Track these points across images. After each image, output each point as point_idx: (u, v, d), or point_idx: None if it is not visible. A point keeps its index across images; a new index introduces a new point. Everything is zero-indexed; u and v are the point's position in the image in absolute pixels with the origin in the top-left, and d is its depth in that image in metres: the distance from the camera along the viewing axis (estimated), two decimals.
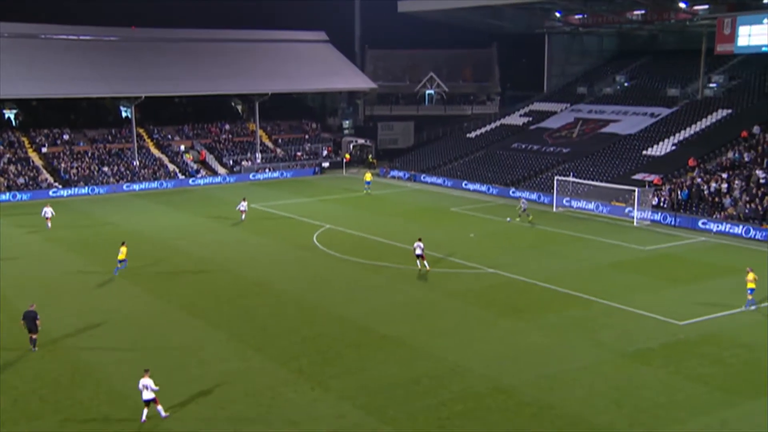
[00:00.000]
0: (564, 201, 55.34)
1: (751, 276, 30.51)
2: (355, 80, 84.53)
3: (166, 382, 23.25)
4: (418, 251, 36.55)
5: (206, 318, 29.84)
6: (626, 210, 51.08)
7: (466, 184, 65.51)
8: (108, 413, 21.27)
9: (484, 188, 63.69)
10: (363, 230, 46.59)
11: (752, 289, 30.44)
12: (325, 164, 78.37)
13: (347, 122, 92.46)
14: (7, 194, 60.59)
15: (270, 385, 23.37)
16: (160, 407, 20.86)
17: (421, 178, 70.38)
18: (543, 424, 20.76)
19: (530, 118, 77.37)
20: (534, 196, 58.24)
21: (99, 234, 46.67)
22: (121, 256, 36.09)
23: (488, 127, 79.26)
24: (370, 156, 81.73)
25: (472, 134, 79.00)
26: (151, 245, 43.08)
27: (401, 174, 72.72)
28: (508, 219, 50.09)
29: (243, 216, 49.88)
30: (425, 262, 36.64)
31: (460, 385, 23.41)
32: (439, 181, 68.45)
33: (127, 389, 22.74)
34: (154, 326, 28.98)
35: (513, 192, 60.47)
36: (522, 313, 30.55)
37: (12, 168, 64.76)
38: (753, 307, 30.42)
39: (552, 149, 67.97)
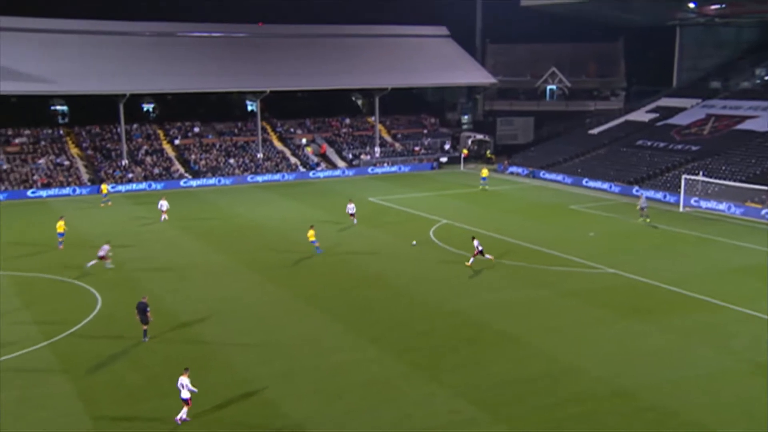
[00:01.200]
0: (692, 201, 52.82)
1: None
2: (476, 75, 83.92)
3: (282, 371, 24.09)
4: (480, 248, 36.26)
5: (324, 308, 30.57)
6: (763, 212, 48.16)
7: (586, 182, 63.76)
8: (231, 396, 22.22)
9: (605, 186, 61.77)
10: (480, 226, 46.28)
11: None
12: (443, 159, 78.33)
13: (466, 117, 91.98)
14: (144, 183, 64.34)
15: (385, 377, 23.68)
16: (185, 410, 20.53)
17: (541, 174, 69.09)
18: (664, 431, 20.00)
19: (657, 114, 74.29)
20: (659, 195, 55.97)
21: (225, 224, 48.71)
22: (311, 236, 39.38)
23: (612, 124, 76.77)
24: (488, 151, 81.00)
25: (595, 130, 76.75)
26: (273, 236, 44.54)
27: (520, 170, 71.66)
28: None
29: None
30: (473, 259, 36.36)
31: (577, 386, 22.87)
32: (559, 177, 66.94)
33: (249, 375, 23.70)
34: (275, 315, 29.98)
35: (636, 190, 58.29)
36: (643, 315, 29.45)
37: (149, 159, 68.69)
38: None
39: (680, 147, 65.01)
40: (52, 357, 25.11)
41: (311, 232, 39.65)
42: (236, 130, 76.80)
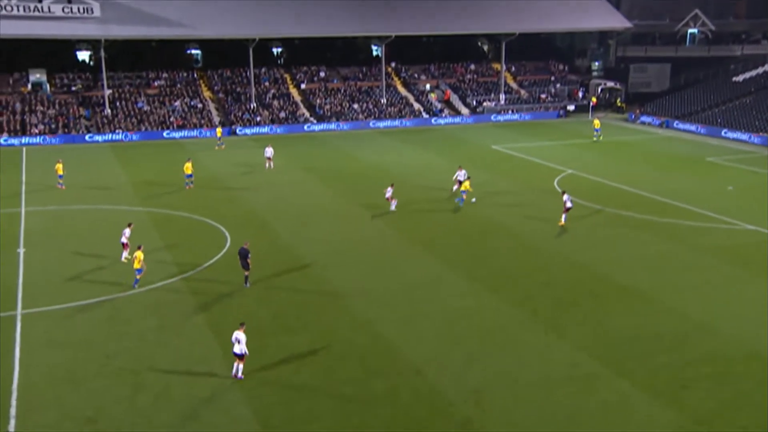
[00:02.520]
0: None
1: None
2: (609, 19, 79.97)
3: (402, 315, 24.40)
4: (569, 204, 34.22)
5: (444, 255, 30.58)
6: None
7: (726, 132, 59.97)
8: (351, 338, 22.79)
9: (746, 137, 57.83)
10: (607, 177, 44.65)
11: None
12: (571, 107, 75.76)
13: (597, 64, 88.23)
14: (267, 127, 66.14)
15: (504, 325, 23.54)
16: (241, 366, 19.88)
17: (675, 124, 65.55)
18: None
19: None
20: None
21: (348, 169, 49.42)
22: (465, 186, 37.91)
23: (760, 70, 71.50)
24: (618, 100, 77.56)
25: (740, 77, 71.76)
26: (395, 182, 44.77)
27: (652, 120, 68.24)
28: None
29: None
30: (565, 216, 34.35)
31: (708, 346, 21.87)
32: (695, 128, 63.29)
33: (370, 317, 24.19)
34: (394, 260, 30.30)
35: None
36: None
37: (276, 103, 70.46)
38: None
39: None
40: (186, 290, 26.56)
41: (467, 184, 38.32)
42: (361, 75, 77.23)
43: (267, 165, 48.67)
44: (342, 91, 74.31)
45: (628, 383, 19.68)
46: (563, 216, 34.49)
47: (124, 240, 29.51)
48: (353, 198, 40.36)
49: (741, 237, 32.74)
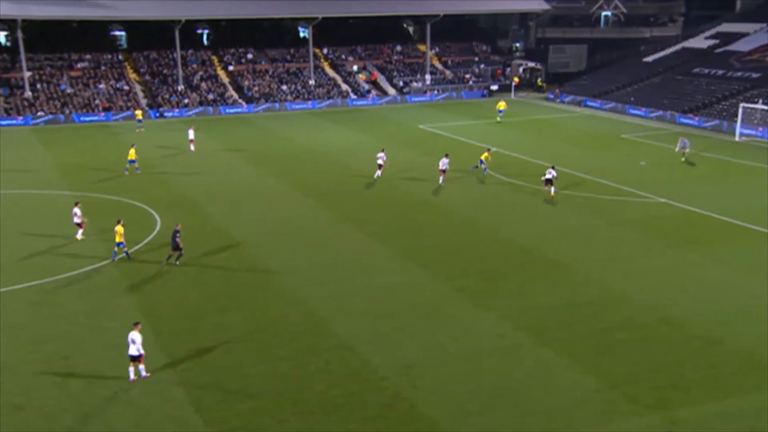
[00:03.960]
0: (749, 130, 50.79)
1: None
2: (529, 1, 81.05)
3: (334, 292, 24.37)
4: (549, 176, 35.76)
5: (375, 233, 30.63)
6: None
7: (640, 111, 61.80)
8: (283, 315, 22.64)
9: (658, 115, 59.77)
10: (531, 155, 45.46)
11: None
12: (494, 87, 76.66)
13: (518, 45, 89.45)
14: (195, 109, 64.64)
15: (433, 300, 23.77)
16: (142, 366, 18.67)
17: (593, 103, 67.17)
18: (710, 358, 19.70)
19: (717, 41, 71.05)
20: (714, 123, 54.08)
21: (278, 149, 48.80)
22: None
23: (668, 51, 73.83)
24: (539, 80, 78.90)
25: (650, 58, 73.96)
26: (324, 161, 44.55)
27: (571, 98, 69.76)
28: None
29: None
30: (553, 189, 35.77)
31: (624, 313, 22.63)
32: (611, 106, 65.01)
33: (299, 294, 24.07)
34: (326, 238, 30.18)
35: (691, 118, 56.43)
36: (694, 245, 28.80)
37: (204, 85, 68.85)
38: None
39: (739, 74, 62.28)
40: (118, 274, 25.84)
41: (486, 154, 39.74)
42: (289, 57, 76.18)
43: (191, 146, 47.75)
44: (270, 72, 73.17)
45: (551, 351, 20.19)
46: (552, 189, 35.71)
47: (77, 220, 29.24)
48: (284, 178, 39.94)
49: (654, 209, 33.89)
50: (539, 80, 78.62)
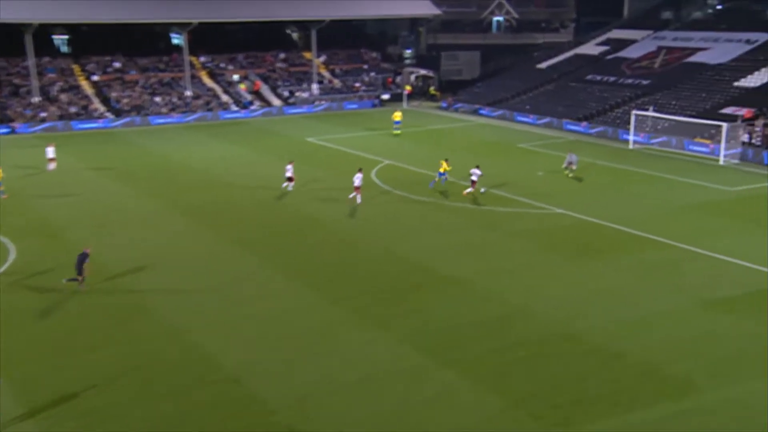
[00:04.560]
0: (642, 137, 53.79)
1: None
2: (418, 6, 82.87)
3: (218, 320, 23.86)
4: (474, 177, 38.40)
5: (260, 253, 30.27)
6: (712, 147, 49.39)
7: (535, 119, 64.25)
8: (163, 348, 21.92)
9: (554, 123, 62.36)
10: (425, 167, 46.27)
11: None
12: (385, 96, 77.75)
13: (409, 51, 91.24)
14: (60, 123, 62.04)
15: (325, 324, 23.66)
16: None
17: (487, 111, 69.29)
18: (612, 372, 20.55)
19: (607, 47, 75.03)
20: (608, 131, 57.00)
21: (152, 167, 47.49)
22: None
23: (561, 57, 77.25)
24: (432, 88, 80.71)
25: (543, 65, 77.16)
26: (202, 179, 43.71)
27: (466, 107, 71.69)
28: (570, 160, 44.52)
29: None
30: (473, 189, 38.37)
31: (526, 329, 23.30)
32: (507, 114, 67.26)
33: (180, 324, 23.40)
34: (207, 261, 29.53)
35: (577, 125, 59.33)
36: (593, 256, 30.10)
37: (63, 96, 66.15)
38: None
39: (630, 81, 65.96)
40: None
41: (444, 166, 40.19)
42: (162, 66, 74.50)
43: (49, 166, 45.65)
44: (141, 83, 71.24)
45: (452, 372, 20.50)
46: (477, 189, 38.61)
47: None
48: (158, 198, 38.86)
49: (553, 220, 35.20)
50: (432, 88, 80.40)
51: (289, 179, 40.13)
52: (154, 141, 56.73)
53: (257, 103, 72.63)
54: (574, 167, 43.93)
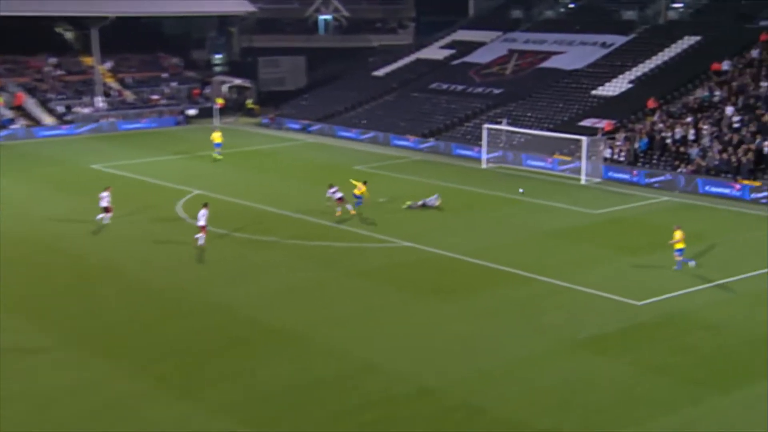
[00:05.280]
0: (495, 155, 56.19)
1: (678, 235, 32.83)
2: (227, 2, 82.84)
3: None
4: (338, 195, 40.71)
5: (35, 314, 29.10)
6: (572, 165, 52.28)
7: (373, 136, 65.60)
8: None
9: (396, 141, 63.97)
10: (244, 197, 46.04)
11: (681, 250, 32.96)
12: (191, 111, 76.79)
13: (219, 57, 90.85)
14: None
15: (121, 398, 22.87)
16: None
17: (318, 128, 69.97)
18: (475, 431, 21.22)
19: (453, 51, 78.00)
20: (460, 150, 59.17)
21: None
22: None
23: (400, 63, 79.48)
24: (249, 101, 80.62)
25: (380, 72, 79.05)
26: None
27: (291, 123, 72.11)
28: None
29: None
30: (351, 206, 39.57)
31: (373, 387, 23.59)
32: (340, 131, 68.25)
33: None
34: None
35: (432, 142, 61.42)
36: (446, 296, 31.04)
37: None
38: (691, 263, 33.29)
39: (481, 90, 68.89)
40: None
41: (362, 189, 41.70)
42: None
43: None
44: None
45: None
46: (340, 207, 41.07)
47: None
48: None
49: (398, 255, 36.01)
50: (250, 101, 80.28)
51: (106, 209, 39.44)
52: None
53: (21, 122, 69.38)
54: (437, 203, 44.21)
